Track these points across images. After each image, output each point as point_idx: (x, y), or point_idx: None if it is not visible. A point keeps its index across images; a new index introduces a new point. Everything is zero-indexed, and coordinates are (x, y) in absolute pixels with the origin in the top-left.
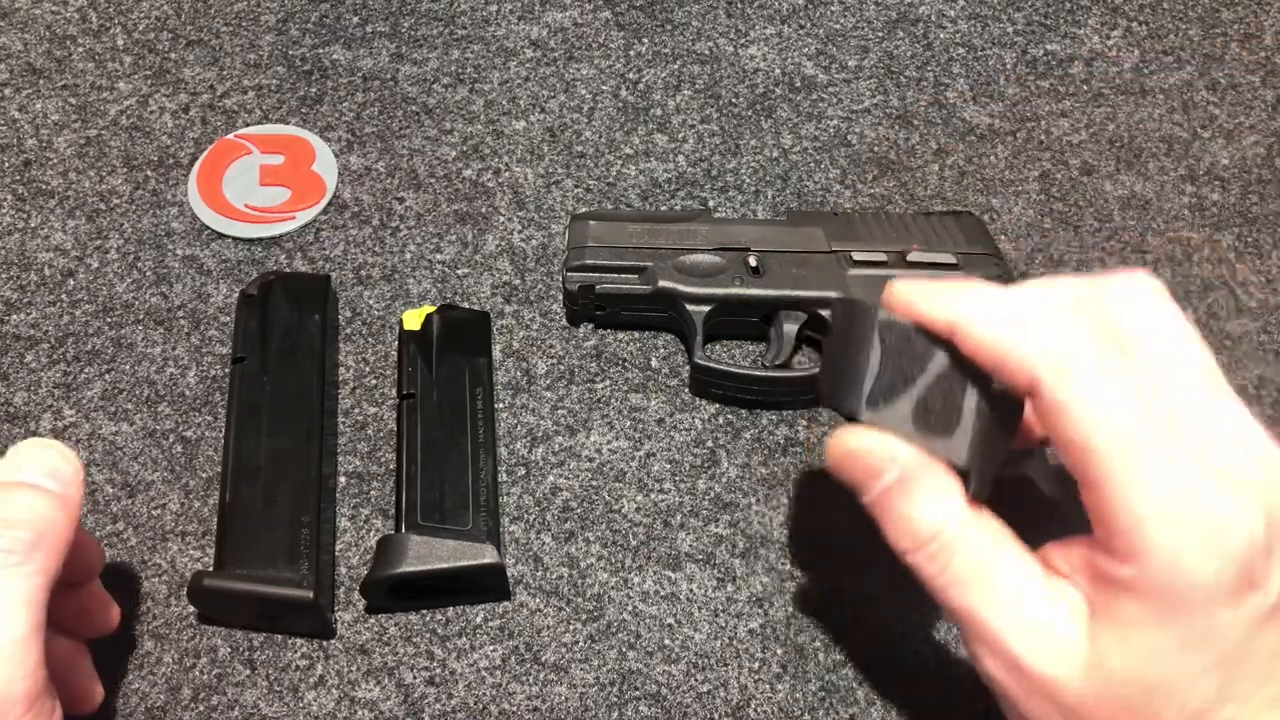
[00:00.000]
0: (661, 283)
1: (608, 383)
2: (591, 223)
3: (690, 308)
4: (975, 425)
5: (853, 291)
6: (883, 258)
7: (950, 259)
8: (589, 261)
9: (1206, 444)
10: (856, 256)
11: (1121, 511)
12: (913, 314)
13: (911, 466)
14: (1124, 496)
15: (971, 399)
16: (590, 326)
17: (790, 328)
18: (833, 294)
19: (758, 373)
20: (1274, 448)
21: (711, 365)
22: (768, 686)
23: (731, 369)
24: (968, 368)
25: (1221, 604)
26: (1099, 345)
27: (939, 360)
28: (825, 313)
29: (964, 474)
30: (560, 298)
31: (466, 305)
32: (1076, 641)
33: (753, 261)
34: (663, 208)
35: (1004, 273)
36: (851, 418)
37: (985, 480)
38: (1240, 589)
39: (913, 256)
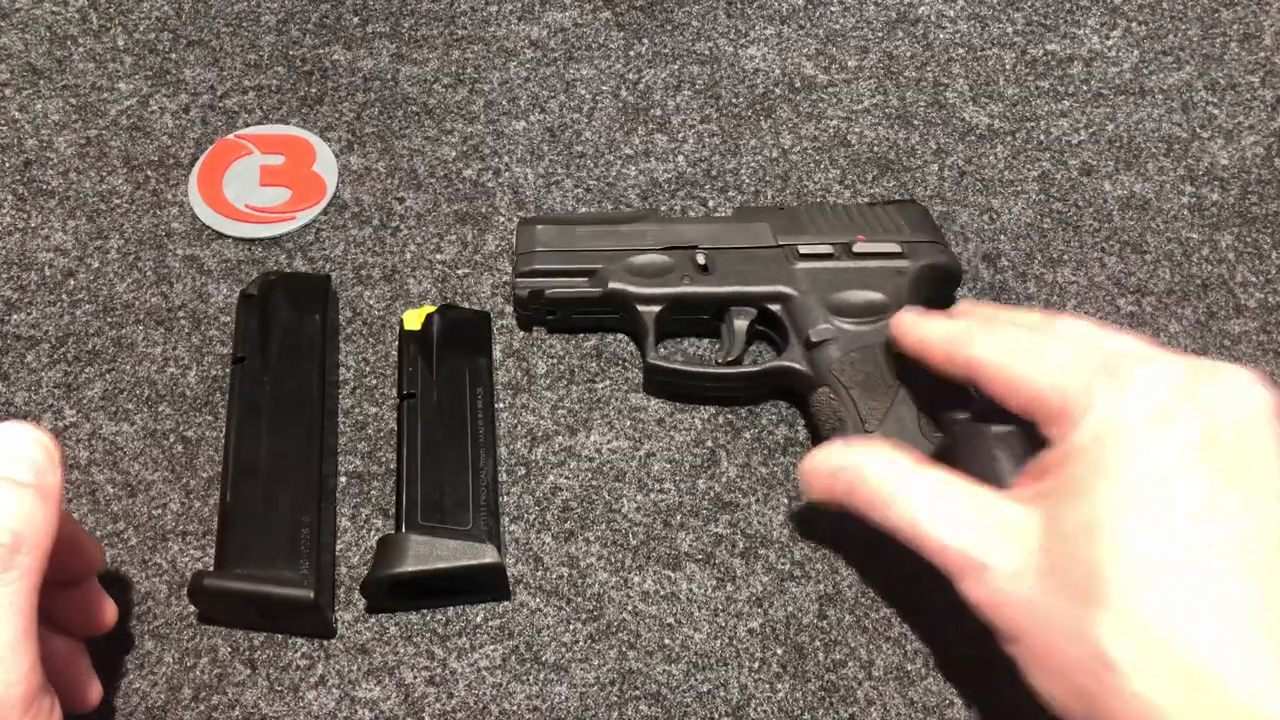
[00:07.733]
0: (612, 284)
1: (608, 383)
2: (539, 227)
3: (641, 308)
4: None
5: (799, 285)
6: (829, 250)
7: (895, 248)
8: (538, 266)
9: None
10: (803, 250)
11: (1061, 390)
12: (925, 356)
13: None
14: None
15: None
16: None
17: (741, 323)
18: (781, 288)
19: (710, 370)
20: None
21: (664, 365)
22: (768, 686)
23: (683, 368)
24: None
25: (1144, 432)
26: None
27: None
28: (774, 307)
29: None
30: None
31: (466, 305)
32: (1020, 521)
33: (701, 259)
34: (663, 208)
35: (949, 259)
36: None
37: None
38: (1157, 420)
39: (858, 248)
